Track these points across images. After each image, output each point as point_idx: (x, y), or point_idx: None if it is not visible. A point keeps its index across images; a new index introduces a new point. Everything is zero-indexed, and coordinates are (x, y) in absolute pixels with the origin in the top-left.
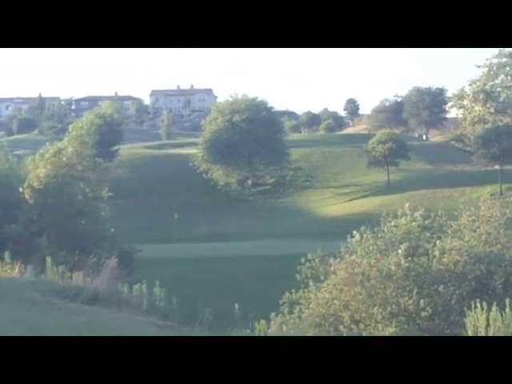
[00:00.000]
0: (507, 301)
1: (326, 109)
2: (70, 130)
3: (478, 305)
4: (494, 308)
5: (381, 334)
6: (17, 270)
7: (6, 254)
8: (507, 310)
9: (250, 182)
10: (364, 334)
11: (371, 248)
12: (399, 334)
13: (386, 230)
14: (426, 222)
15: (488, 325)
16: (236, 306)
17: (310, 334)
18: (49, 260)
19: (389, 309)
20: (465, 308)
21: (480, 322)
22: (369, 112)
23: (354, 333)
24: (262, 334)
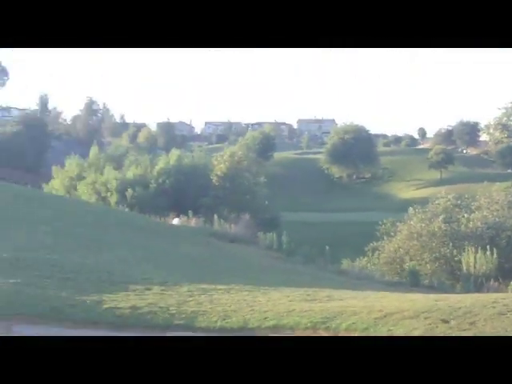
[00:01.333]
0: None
1: (406, 133)
2: (240, 140)
3: (470, 249)
4: (479, 251)
5: (427, 269)
6: (193, 221)
7: (189, 213)
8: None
9: (354, 176)
10: (417, 268)
11: (423, 217)
12: (439, 271)
13: (431, 207)
14: (458, 201)
15: (475, 262)
16: (327, 247)
17: (385, 269)
18: (215, 216)
19: (434, 255)
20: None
21: (471, 259)
22: (432, 136)
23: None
24: (349, 268)
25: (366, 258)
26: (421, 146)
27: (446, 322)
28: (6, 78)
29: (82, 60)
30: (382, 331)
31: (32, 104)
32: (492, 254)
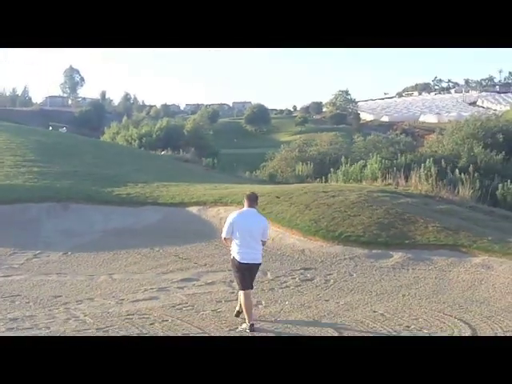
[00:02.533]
0: None
1: (286, 107)
2: (200, 113)
3: (300, 163)
4: (304, 164)
5: (288, 175)
6: (170, 152)
7: (168, 149)
8: None
9: (258, 130)
10: (281, 174)
11: (288, 149)
12: (292, 176)
13: (293, 144)
14: (306, 142)
15: (302, 170)
16: (235, 164)
17: (268, 175)
18: (181, 150)
19: (292, 168)
20: None
21: (300, 168)
22: (298, 109)
23: (271, 172)
24: (245, 175)
25: (259, 171)
26: (293, 115)
27: (278, 197)
28: (83, 82)
29: (125, 70)
30: None
31: (97, 95)
32: (310, 166)
